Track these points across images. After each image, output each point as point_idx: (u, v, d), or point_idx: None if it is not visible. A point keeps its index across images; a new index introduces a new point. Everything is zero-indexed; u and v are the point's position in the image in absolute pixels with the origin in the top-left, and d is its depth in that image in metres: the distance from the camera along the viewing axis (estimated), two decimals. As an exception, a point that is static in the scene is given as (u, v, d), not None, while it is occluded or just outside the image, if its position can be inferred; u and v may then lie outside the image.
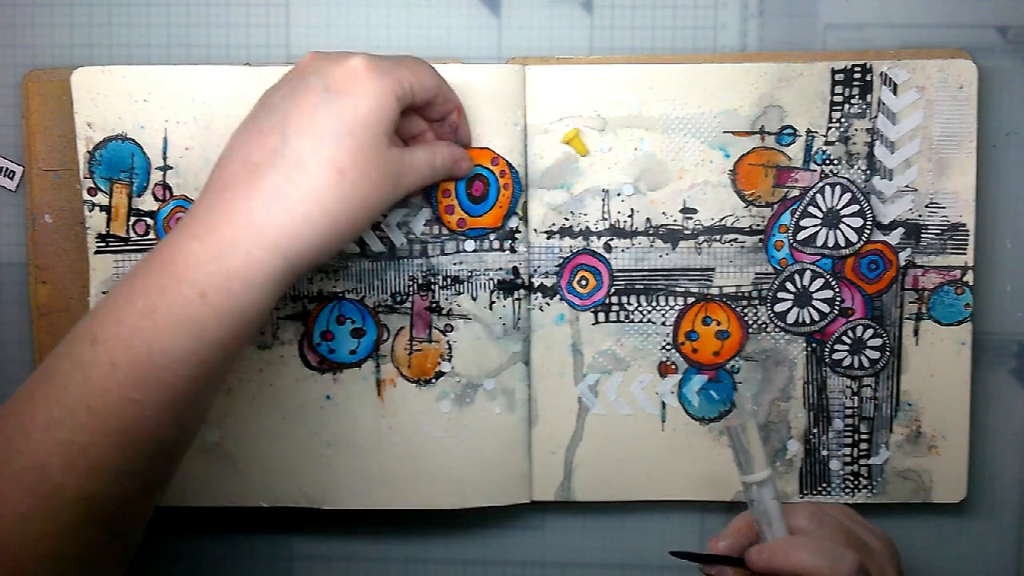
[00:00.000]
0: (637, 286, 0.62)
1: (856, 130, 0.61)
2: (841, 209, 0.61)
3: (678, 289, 0.62)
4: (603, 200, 0.61)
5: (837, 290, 0.62)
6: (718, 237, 0.61)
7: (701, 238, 0.62)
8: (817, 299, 0.62)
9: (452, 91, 0.57)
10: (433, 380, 0.62)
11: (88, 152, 0.61)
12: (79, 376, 0.47)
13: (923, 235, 0.61)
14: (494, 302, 0.61)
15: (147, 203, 0.61)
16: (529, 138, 0.61)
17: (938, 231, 0.61)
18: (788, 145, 0.61)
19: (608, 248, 0.62)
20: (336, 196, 0.49)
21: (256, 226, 0.48)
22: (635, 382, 0.62)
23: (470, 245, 0.61)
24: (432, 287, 0.61)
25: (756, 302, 0.62)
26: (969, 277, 0.61)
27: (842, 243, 0.61)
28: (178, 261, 0.48)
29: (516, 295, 0.61)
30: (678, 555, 0.55)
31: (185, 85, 0.60)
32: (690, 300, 0.62)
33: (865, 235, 0.61)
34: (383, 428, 0.62)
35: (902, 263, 0.61)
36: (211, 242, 0.48)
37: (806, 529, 0.54)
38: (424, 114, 0.56)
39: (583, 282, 0.62)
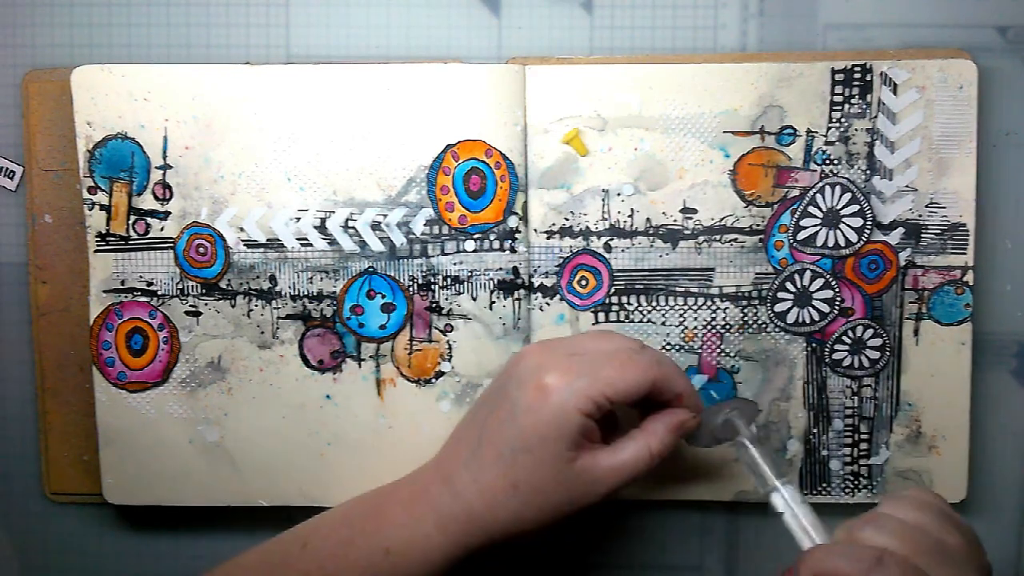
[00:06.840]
0: (637, 286, 0.62)
1: (856, 130, 0.61)
2: (841, 209, 0.61)
3: (678, 289, 0.62)
4: (603, 200, 0.61)
5: (837, 290, 0.62)
6: (718, 237, 0.61)
7: (701, 238, 0.62)
8: (817, 299, 0.62)
9: (679, 377, 0.55)
10: (433, 380, 0.62)
11: (88, 151, 0.61)
12: None
13: (923, 235, 0.61)
14: (494, 302, 0.61)
15: (147, 202, 0.61)
16: (529, 138, 0.61)
17: (938, 231, 0.61)
18: (788, 145, 0.61)
19: (608, 248, 0.62)
20: (507, 507, 0.53)
21: (438, 511, 0.54)
22: (635, 382, 0.62)
23: (470, 245, 0.61)
24: (432, 287, 0.61)
25: (756, 302, 0.62)
26: (969, 277, 0.61)
27: (842, 243, 0.61)
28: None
29: (516, 295, 0.61)
30: None
31: (185, 84, 0.60)
32: (690, 300, 0.62)
33: (865, 235, 0.61)
34: (383, 428, 0.62)
35: (902, 263, 0.61)
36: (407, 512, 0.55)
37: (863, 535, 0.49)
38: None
39: (583, 282, 0.62)
